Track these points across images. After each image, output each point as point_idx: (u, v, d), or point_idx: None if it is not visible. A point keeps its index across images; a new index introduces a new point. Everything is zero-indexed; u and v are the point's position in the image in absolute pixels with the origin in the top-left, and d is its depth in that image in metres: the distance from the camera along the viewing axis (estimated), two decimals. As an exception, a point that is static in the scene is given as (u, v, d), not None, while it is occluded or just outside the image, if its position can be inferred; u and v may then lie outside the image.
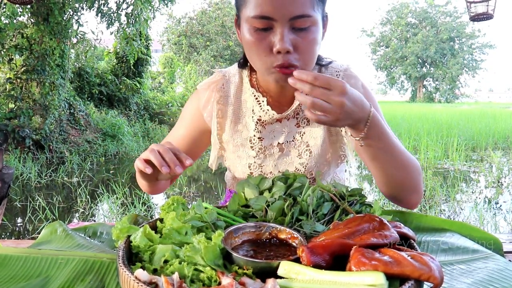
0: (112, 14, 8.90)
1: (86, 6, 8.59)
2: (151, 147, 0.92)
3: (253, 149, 1.21)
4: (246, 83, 1.21)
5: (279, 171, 1.22)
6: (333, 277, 0.63)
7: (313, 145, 1.20)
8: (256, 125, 1.19)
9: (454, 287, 0.79)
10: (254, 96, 1.19)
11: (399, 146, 1.04)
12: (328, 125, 0.90)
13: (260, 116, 1.19)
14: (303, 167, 1.21)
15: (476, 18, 5.89)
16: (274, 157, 1.22)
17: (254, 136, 1.20)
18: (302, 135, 1.21)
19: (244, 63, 1.23)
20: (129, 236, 0.80)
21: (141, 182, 1.14)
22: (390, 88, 51.93)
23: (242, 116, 1.22)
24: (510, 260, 0.95)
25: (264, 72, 1.04)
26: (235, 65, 1.26)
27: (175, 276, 0.65)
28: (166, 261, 0.73)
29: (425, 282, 0.64)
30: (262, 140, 1.20)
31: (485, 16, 5.83)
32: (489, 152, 8.40)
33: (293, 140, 1.21)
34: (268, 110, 1.16)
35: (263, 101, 1.17)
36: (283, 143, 1.21)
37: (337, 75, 1.19)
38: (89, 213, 4.53)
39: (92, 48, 10.08)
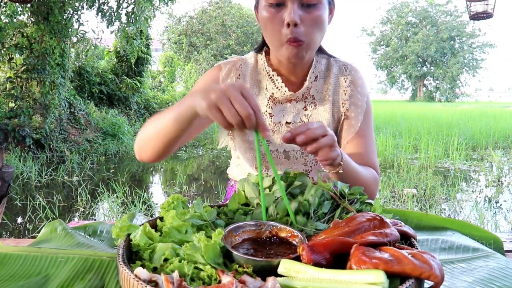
0: (112, 13, 8.90)
1: (86, 5, 8.58)
2: (227, 101, 0.80)
3: None
4: (261, 64, 1.31)
5: (284, 150, 1.30)
6: (334, 276, 0.63)
7: None
8: (268, 101, 1.28)
9: (454, 286, 0.79)
10: (269, 75, 1.28)
11: (357, 169, 1.15)
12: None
13: (272, 93, 1.28)
14: None
15: (475, 17, 5.88)
16: (281, 135, 1.27)
17: (266, 111, 1.29)
18: (309, 117, 1.29)
19: (260, 48, 1.34)
20: (129, 235, 0.80)
21: (167, 134, 1.04)
22: (391, 87, 51.95)
23: (257, 94, 1.30)
24: None
25: (277, 46, 1.15)
26: (251, 52, 1.37)
27: (175, 274, 0.65)
28: (166, 260, 0.72)
29: (425, 281, 0.64)
30: (272, 116, 1.29)
31: (484, 15, 5.82)
32: (490, 151, 8.40)
33: (300, 121, 1.29)
34: (281, 87, 1.26)
35: (277, 80, 1.26)
36: (290, 122, 1.28)
37: (345, 67, 1.32)
38: (89, 212, 4.53)
39: (93, 47, 10.07)
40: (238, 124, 0.79)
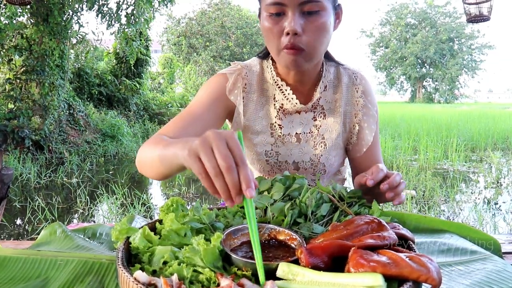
0: (112, 15, 8.90)
1: (86, 7, 8.59)
2: (208, 149, 0.67)
3: (272, 136, 1.27)
4: (268, 72, 1.27)
5: (294, 161, 1.28)
6: (332, 279, 0.63)
7: (328, 138, 1.27)
8: (278, 112, 1.26)
9: (452, 288, 0.80)
10: (277, 84, 1.24)
11: None
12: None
13: (282, 104, 1.25)
14: (317, 158, 1.28)
15: (473, 20, 5.91)
16: (291, 146, 1.28)
17: (275, 122, 1.26)
18: (318, 128, 1.27)
19: (265, 54, 1.30)
20: (128, 237, 0.80)
21: (160, 169, 0.97)
22: (390, 88, 51.92)
23: (264, 104, 1.27)
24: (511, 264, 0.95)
25: (276, 55, 1.12)
26: (254, 58, 1.32)
27: (174, 277, 0.65)
28: (165, 263, 0.73)
29: (423, 284, 0.64)
30: (282, 128, 1.27)
31: (481, 18, 5.84)
32: (489, 153, 8.40)
33: (309, 132, 1.27)
34: (292, 98, 1.22)
35: (286, 90, 1.23)
36: (300, 133, 1.27)
37: (354, 76, 1.29)
38: (88, 214, 4.53)
39: (92, 49, 10.08)
40: (216, 177, 0.65)
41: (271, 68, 1.26)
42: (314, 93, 1.24)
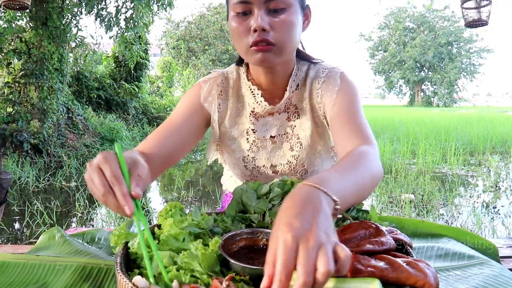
0: (111, 19, 8.92)
1: (85, 10, 8.61)
2: (96, 168, 0.76)
3: (248, 142, 1.26)
4: (244, 78, 1.26)
5: (271, 164, 1.28)
6: (329, 284, 0.63)
7: (303, 136, 1.25)
8: (249, 116, 1.25)
9: (450, 293, 0.80)
10: (250, 89, 1.23)
11: (361, 178, 0.84)
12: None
13: (253, 108, 1.24)
14: (295, 159, 1.26)
15: (471, 24, 5.92)
16: (267, 150, 1.27)
17: (249, 127, 1.25)
18: (293, 128, 1.25)
19: (241, 60, 1.28)
20: (127, 243, 0.80)
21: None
22: (389, 92, 51.99)
23: (241, 110, 1.27)
24: (510, 269, 0.96)
25: (245, 54, 1.10)
26: (232, 65, 1.32)
27: (175, 283, 0.65)
28: (163, 268, 0.73)
29: (420, 289, 0.65)
30: (255, 132, 1.25)
31: (480, 23, 5.85)
32: (487, 157, 8.42)
33: (284, 134, 1.26)
34: (261, 101, 1.21)
35: (257, 94, 1.22)
36: (275, 136, 1.26)
37: (322, 70, 1.23)
38: (87, 218, 4.52)
39: (91, 52, 10.08)
40: (104, 202, 0.75)
41: (245, 74, 1.25)
42: (285, 93, 1.21)
